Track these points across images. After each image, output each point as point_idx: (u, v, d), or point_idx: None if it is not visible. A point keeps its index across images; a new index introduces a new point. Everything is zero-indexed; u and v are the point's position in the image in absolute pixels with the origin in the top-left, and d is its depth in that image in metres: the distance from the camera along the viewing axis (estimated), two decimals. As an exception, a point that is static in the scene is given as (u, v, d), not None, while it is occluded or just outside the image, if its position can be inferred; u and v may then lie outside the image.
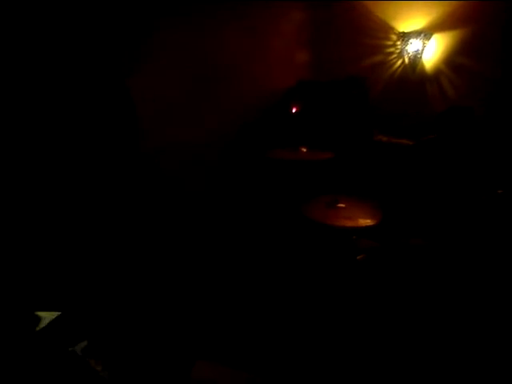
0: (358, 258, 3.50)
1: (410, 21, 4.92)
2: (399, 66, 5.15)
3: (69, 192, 3.07)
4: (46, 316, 2.41)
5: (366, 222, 3.26)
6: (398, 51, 5.10)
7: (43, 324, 2.34)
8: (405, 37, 4.93)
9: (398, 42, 5.05)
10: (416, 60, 4.95)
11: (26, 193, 2.89)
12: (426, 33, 4.78)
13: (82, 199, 3.13)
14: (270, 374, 2.60)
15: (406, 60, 5.03)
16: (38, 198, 2.94)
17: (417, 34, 4.82)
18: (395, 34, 5.05)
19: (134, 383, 2.39)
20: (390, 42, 5.13)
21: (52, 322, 2.36)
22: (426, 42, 4.80)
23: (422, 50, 4.86)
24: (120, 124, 3.40)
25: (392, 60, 5.18)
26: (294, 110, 4.97)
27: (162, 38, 3.77)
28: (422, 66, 4.97)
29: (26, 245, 2.85)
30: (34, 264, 2.85)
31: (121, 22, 3.38)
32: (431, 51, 4.85)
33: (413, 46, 4.88)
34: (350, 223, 3.23)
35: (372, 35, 5.21)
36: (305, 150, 4.19)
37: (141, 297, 3.09)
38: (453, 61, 4.75)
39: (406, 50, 4.97)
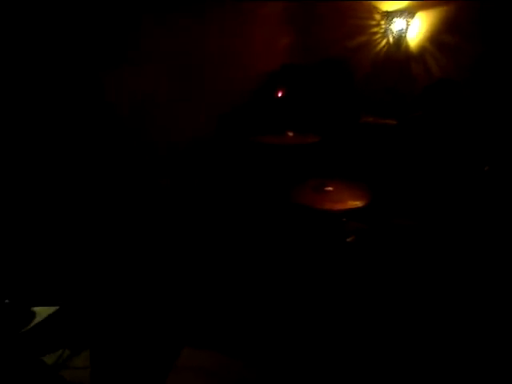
0: (348, 240, 3.50)
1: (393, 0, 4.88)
2: (384, 46, 5.12)
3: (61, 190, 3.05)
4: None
5: (354, 203, 3.25)
6: (382, 31, 5.06)
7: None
8: (388, 16, 4.90)
9: (382, 22, 5.01)
10: (401, 39, 4.93)
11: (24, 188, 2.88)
12: (409, 11, 4.76)
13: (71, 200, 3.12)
14: (261, 363, 2.60)
15: (391, 39, 5.00)
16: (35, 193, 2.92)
17: (400, 12, 4.80)
18: (379, 13, 5.01)
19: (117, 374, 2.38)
20: (374, 22, 5.08)
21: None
22: (409, 20, 4.78)
23: (406, 28, 4.84)
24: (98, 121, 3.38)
25: (377, 40, 5.14)
26: (279, 95, 4.94)
27: (144, 31, 3.73)
28: (407, 44, 4.95)
29: (24, 240, 2.84)
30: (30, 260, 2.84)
31: (104, 17, 3.35)
32: (415, 30, 4.83)
33: (397, 25, 4.86)
34: (337, 206, 3.22)
35: (355, 15, 5.15)
36: (291, 134, 4.16)
37: (127, 285, 3.08)
38: (437, 39, 4.75)
39: (391, 30, 4.95)
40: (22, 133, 2.93)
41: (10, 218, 2.89)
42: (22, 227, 2.90)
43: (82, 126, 3.28)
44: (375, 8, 5.02)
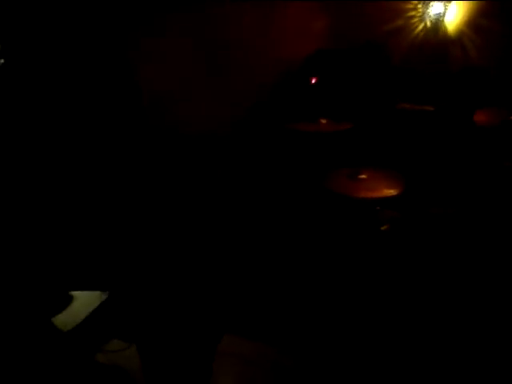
0: (382, 228, 3.48)
1: (430, -17, 4.78)
2: (421, 30, 5.02)
3: (74, 184, 3.09)
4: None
5: (388, 192, 3.23)
6: (419, 15, 4.96)
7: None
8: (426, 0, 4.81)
9: (419, 6, 4.92)
10: (438, 23, 4.83)
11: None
12: (447, -5, 4.68)
13: (88, 191, 3.16)
14: (297, 352, 2.63)
15: (428, 23, 4.91)
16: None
17: (438, -4, 4.72)
18: (416, -3, 4.92)
19: (161, 359, 2.45)
20: (411, 6, 4.98)
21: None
22: (447, 4, 4.69)
23: (444, 12, 4.74)
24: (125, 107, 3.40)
25: (414, 24, 5.04)
26: (313, 81, 4.91)
27: (171, 15, 3.75)
28: (445, 29, 4.84)
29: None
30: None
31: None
32: (453, 14, 4.73)
33: (434, 8, 4.77)
34: (371, 194, 3.21)
35: (393, -1, 5.06)
36: (324, 121, 4.14)
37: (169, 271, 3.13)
38: (475, 23, 4.63)
39: (428, 13, 4.85)
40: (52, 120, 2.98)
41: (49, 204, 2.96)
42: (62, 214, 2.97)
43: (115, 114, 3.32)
44: (413, -8, 4.93)
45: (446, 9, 4.71)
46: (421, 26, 5.00)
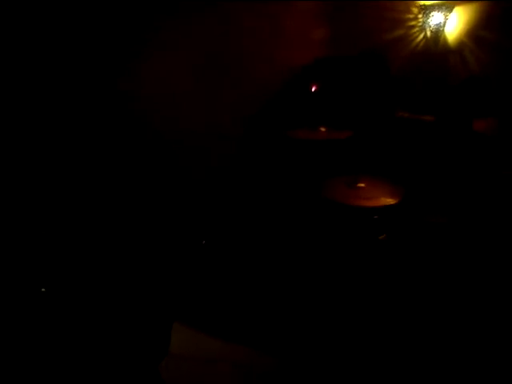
0: (380, 237, 3.47)
1: (431, -7, 4.80)
2: (421, 40, 5.04)
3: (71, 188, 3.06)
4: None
5: (387, 201, 3.22)
6: (419, 25, 4.98)
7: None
8: (426, 9, 4.82)
9: (420, 15, 4.93)
10: (438, 33, 4.84)
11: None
12: (447, 5, 4.68)
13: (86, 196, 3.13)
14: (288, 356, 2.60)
15: (428, 33, 4.92)
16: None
17: (438, 6, 4.72)
18: (416, 6, 4.93)
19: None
20: (411, 16, 5.00)
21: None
22: (447, 14, 4.70)
23: (444, 22, 4.75)
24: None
25: (414, 33, 5.06)
26: (312, 89, 4.90)
27: (171, 24, 3.76)
28: (445, 39, 4.86)
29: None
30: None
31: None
32: (453, 24, 4.75)
33: (435, 18, 4.78)
34: (370, 203, 3.20)
35: (392, 8, 5.06)
36: (324, 129, 4.14)
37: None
38: (475, 34, 4.66)
39: (428, 23, 4.87)
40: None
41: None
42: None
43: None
44: (413, 1, 4.94)
45: (446, 19, 4.72)
46: (421, 36, 5.01)
